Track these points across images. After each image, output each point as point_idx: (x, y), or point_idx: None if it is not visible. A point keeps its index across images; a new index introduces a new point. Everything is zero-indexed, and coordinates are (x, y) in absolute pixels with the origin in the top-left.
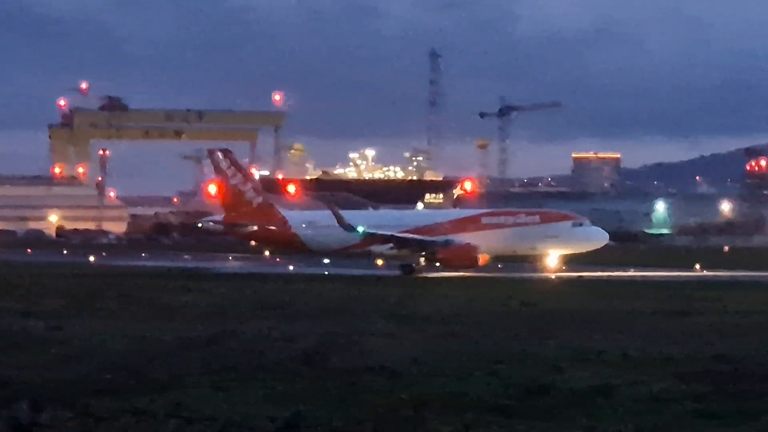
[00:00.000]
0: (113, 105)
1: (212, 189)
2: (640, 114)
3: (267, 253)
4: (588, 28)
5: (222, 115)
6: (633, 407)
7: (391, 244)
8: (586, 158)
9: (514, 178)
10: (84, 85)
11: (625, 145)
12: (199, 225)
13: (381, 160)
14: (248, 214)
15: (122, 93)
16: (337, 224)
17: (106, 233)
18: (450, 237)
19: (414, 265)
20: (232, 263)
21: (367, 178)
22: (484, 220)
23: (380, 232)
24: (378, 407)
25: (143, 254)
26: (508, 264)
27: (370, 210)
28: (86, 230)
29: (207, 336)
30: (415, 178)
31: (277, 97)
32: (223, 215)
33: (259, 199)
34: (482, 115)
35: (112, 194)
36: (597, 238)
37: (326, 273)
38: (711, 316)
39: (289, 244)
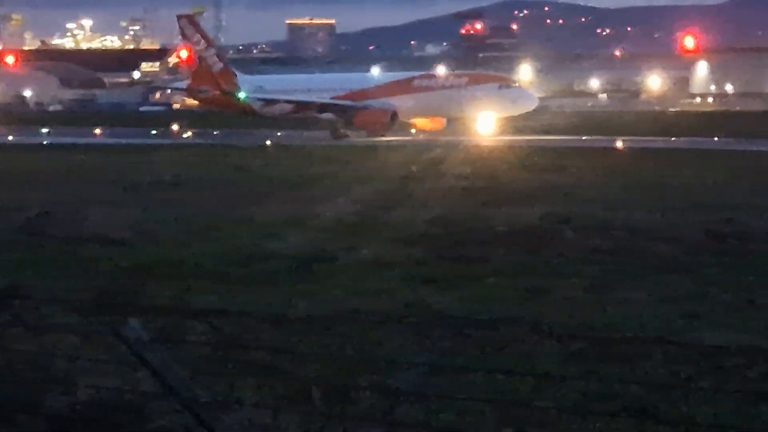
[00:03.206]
0: None
1: None
2: None
3: None
4: None
5: None
6: (352, 272)
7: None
8: (301, 24)
9: (229, 45)
10: None
11: (342, 9)
12: (168, 90)
13: (98, 30)
14: (209, 79)
15: None
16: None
17: None
18: (381, 101)
19: (340, 129)
20: None
21: (84, 47)
22: (416, 83)
23: (276, 96)
24: (98, 276)
25: None
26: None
27: (314, 74)
28: None
29: None
30: (131, 47)
31: None
32: (188, 81)
33: (220, 65)
34: None
35: None
36: (524, 101)
37: (45, 143)
38: (429, 181)
39: (243, 110)
